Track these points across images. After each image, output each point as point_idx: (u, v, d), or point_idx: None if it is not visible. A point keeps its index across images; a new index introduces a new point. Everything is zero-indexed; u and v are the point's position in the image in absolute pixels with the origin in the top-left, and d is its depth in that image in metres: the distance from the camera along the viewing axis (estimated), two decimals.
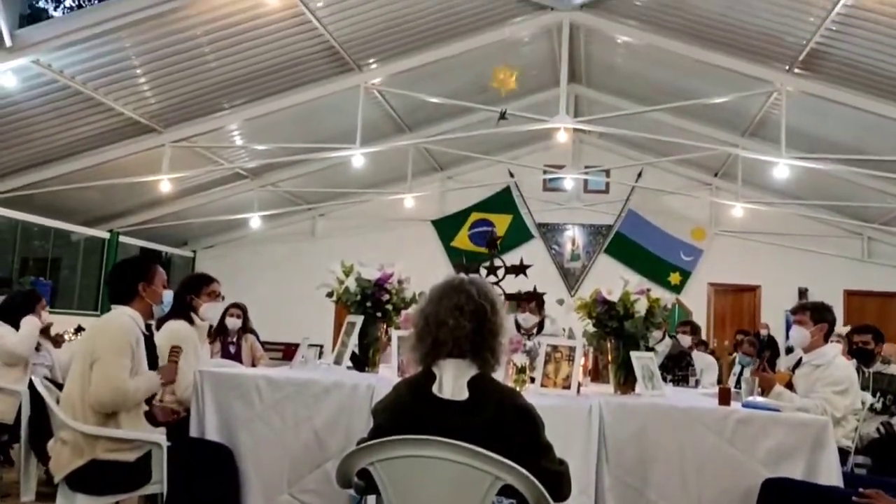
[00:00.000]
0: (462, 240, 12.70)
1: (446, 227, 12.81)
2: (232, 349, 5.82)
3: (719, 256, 12.21)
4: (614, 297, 3.72)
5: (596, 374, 4.37)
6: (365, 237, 12.25)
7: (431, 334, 2.23)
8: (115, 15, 6.52)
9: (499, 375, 2.36)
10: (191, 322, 3.87)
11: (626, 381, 3.74)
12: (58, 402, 3.09)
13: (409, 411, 2.15)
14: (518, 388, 3.32)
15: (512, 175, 12.56)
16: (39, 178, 8.79)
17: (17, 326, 5.07)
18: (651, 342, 4.05)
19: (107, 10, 6.89)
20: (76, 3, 18.18)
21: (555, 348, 3.62)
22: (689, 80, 9.08)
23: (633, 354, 3.69)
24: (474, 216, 12.76)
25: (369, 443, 2.07)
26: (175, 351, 3.32)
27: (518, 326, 5.53)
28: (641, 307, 3.74)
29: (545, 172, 11.91)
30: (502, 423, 2.10)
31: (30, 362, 5.06)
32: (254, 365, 5.73)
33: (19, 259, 10.57)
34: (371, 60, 8.60)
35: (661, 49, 8.28)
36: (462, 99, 9.35)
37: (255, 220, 11.69)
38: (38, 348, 5.20)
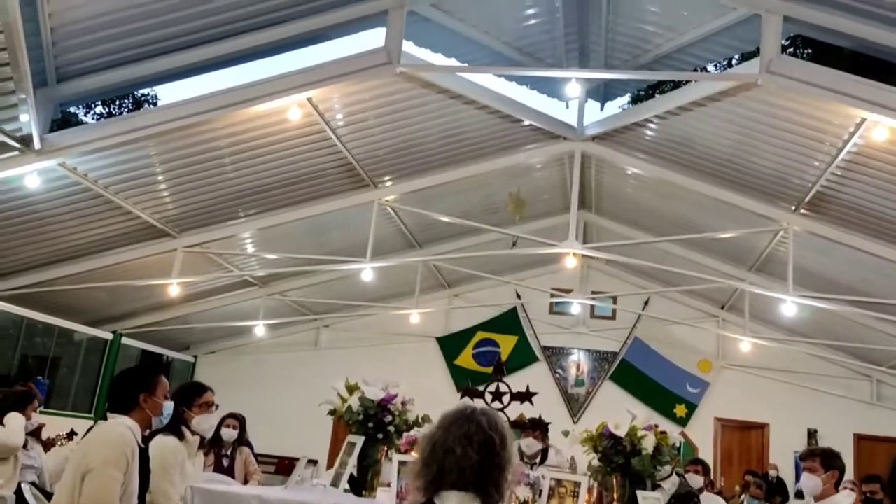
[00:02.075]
0: (466, 359, 12.58)
1: (451, 344, 12.72)
2: (225, 462, 5.64)
3: (726, 391, 12.01)
4: (621, 432, 3.64)
5: None
6: (368, 350, 12.15)
7: (437, 461, 2.16)
8: (144, 125, 6.76)
9: None
10: (181, 436, 3.69)
11: None
12: None
13: None
14: None
15: (519, 297, 12.58)
16: (50, 276, 8.84)
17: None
18: (658, 476, 3.93)
19: (137, 119, 7.18)
20: (106, 109, 18.94)
21: (559, 482, 3.51)
22: (697, 214, 9.26)
23: (640, 494, 3.58)
24: (479, 335, 12.69)
25: None
26: None
27: (521, 454, 5.39)
28: (649, 444, 3.66)
29: (552, 296, 11.93)
30: None
31: (20, 462, 4.91)
32: (246, 480, 5.55)
33: (20, 356, 10.48)
34: (386, 178, 8.83)
35: (669, 182, 8.49)
36: (473, 219, 9.53)
37: (259, 328, 11.64)
38: (25, 446, 5.07)
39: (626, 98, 13.91)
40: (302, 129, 7.45)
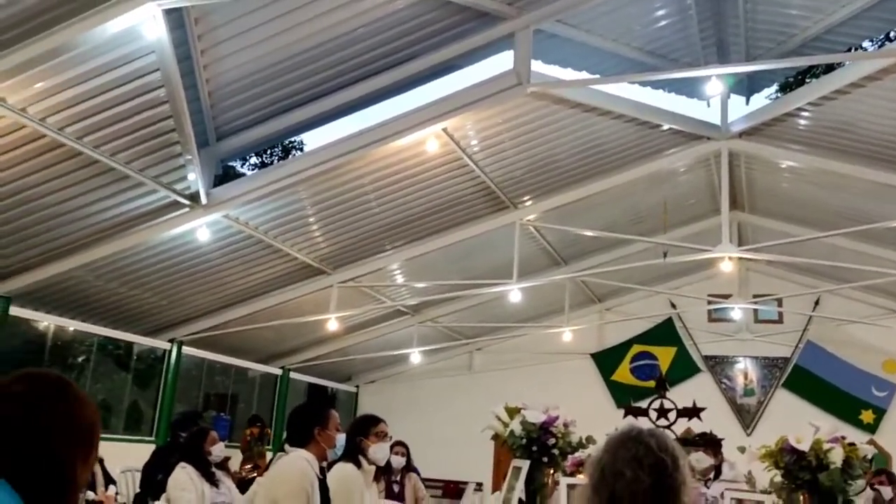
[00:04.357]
0: (623, 374, 12.24)
1: (606, 360, 12.43)
2: (396, 488, 5.81)
3: None
4: (804, 446, 3.39)
5: None
6: (522, 371, 12.13)
7: (608, 487, 2.10)
8: (294, 171, 7.18)
9: None
10: (358, 465, 3.89)
11: None
12: None
13: None
14: None
15: (674, 306, 12.11)
16: (223, 319, 9.54)
17: (196, 463, 5.35)
18: (852, 491, 3.62)
19: (287, 167, 7.65)
20: (259, 160, 20.28)
21: (740, 502, 3.31)
22: (866, 203, 8.52)
23: None
24: (635, 349, 12.32)
25: None
26: None
27: (691, 470, 5.13)
28: (837, 457, 3.38)
29: (709, 303, 11.39)
30: None
31: (208, 500, 5.27)
32: None
33: (203, 394, 11.37)
34: (526, 198, 8.83)
35: (830, 172, 7.90)
36: (617, 231, 9.30)
37: (414, 356, 11.93)
38: (217, 485, 5.43)
39: (774, 88, 13.13)
40: (439, 159, 7.62)
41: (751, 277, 11.91)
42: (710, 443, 4.56)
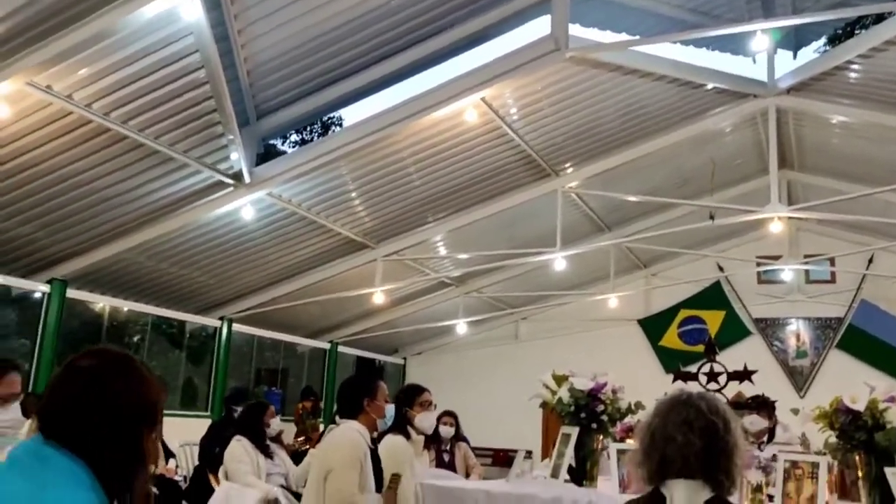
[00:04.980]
0: (671, 339, 12.12)
1: (654, 325, 12.31)
2: (446, 457, 5.88)
3: None
4: (859, 406, 3.32)
5: (844, 492, 3.86)
6: (569, 339, 12.10)
7: (659, 451, 2.10)
8: (335, 147, 7.23)
9: (733, 496, 2.16)
10: (407, 436, 3.96)
11: (882, 502, 3.28)
12: None
13: None
14: None
15: (721, 269, 11.91)
16: (271, 296, 9.72)
17: (252, 436, 5.50)
18: None
19: (327, 143, 7.69)
20: (300, 137, 20.42)
21: (794, 464, 3.27)
22: None
23: (889, 471, 3.26)
24: (683, 313, 12.17)
25: None
26: (395, 479, 3.43)
27: (745, 432, 5.08)
28: (893, 416, 3.31)
29: (758, 265, 11.17)
30: None
31: (263, 471, 5.42)
32: (468, 474, 5.74)
33: (255, 370, 11.64)
34: (567, 165, 8.74)
35: (882, 125, 7.63)
36: (662, 195, 9.15)
37: (460, 326, 11.99)
38: (272, 457, 5.58)
39: (822, 41, 12.68)
40: (479, 129, 7.57)
41: (801, 237, 11.63)
42: (763, 405, 4.50)
